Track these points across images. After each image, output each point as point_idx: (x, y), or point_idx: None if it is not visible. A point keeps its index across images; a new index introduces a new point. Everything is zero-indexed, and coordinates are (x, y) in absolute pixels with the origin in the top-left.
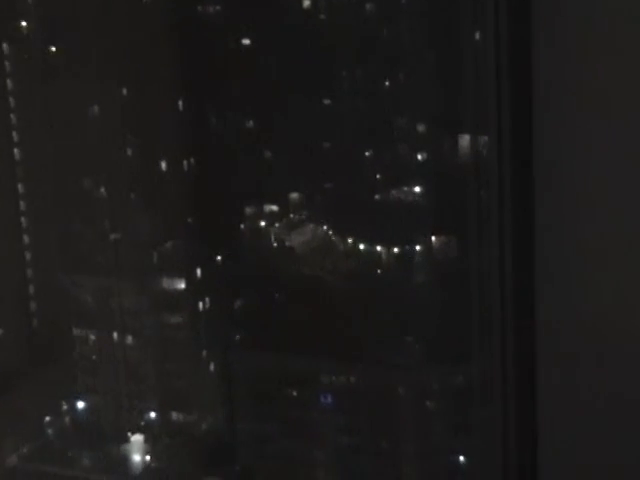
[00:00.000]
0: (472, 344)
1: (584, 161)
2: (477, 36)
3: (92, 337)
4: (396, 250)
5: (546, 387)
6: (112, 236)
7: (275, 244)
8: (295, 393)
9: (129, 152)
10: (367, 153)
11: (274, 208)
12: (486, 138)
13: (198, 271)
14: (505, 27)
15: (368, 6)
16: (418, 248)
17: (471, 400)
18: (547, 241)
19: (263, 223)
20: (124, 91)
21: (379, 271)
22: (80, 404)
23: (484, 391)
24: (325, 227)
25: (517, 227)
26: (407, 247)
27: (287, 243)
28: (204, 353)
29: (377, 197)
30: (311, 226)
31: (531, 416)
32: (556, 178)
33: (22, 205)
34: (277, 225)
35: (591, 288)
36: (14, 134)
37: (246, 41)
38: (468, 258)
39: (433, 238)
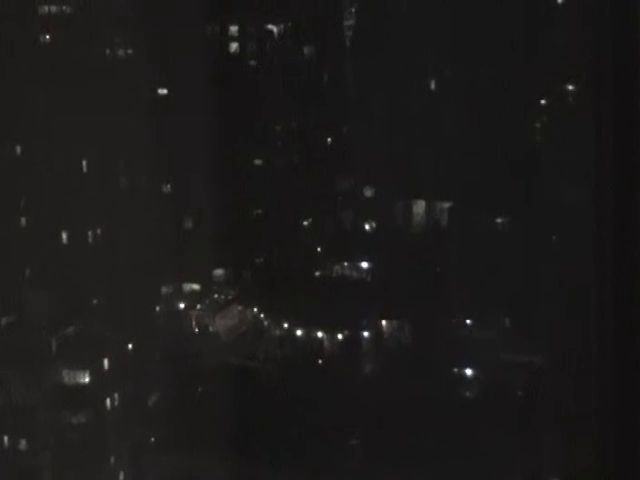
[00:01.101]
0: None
1: None
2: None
3: None
4: (340, 336)
5: None
6: (2, 320)
7: (196, 329)
8: None
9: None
10: (305, 222)
11: (195, 287)
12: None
13: (105, 361)
14: None
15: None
16: (366, 334)
17: None
18: None
19: (182, 305)
20: None
21: (320, 361)
22: None
23: None
24: (255, 309)
25: None
26: (353, 333)
27: (210, 328)
28: (112, 459)
29: (317, 274)
30: (239, 308)
31: None
32: None
33: None
34: (199, 307)
35: None
36: None
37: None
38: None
39: (383, 322)
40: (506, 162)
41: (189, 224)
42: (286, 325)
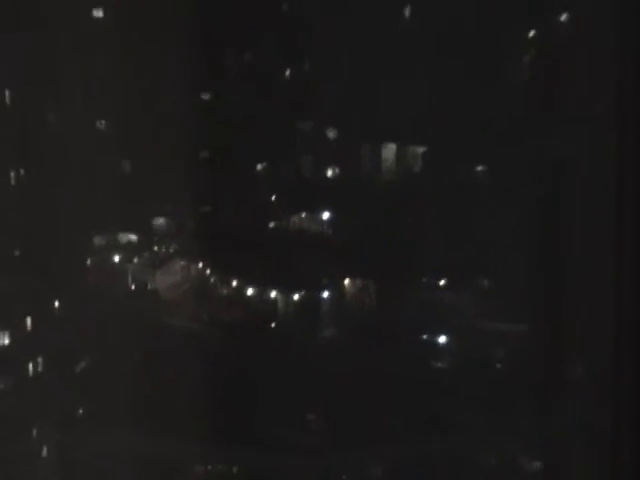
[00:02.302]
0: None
1: None
2: None
3: None
4: (296, 297)
5: None
6: None
7: (133, 286)
8: None
9: None
10: (259, 166)
11: (132, 238)
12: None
13: (28, 321)
14: None
15: None
16: (325, 295)
17: None
18: None
19: (117, 258)
20: None
21: (273, 324)
22: None
23: None
24: (200, 265)
25: None
26: (311, 293)
27: (149, 285)
28: (34, 432)
29: (271, 225)
30: (181, 263)
31: None
32: None
33: None
34: (136, 261)
35: None
36: None
37: None
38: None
39: (346, 282)
40: (490, 101)
41: (126, 167)
42: (235, 283)
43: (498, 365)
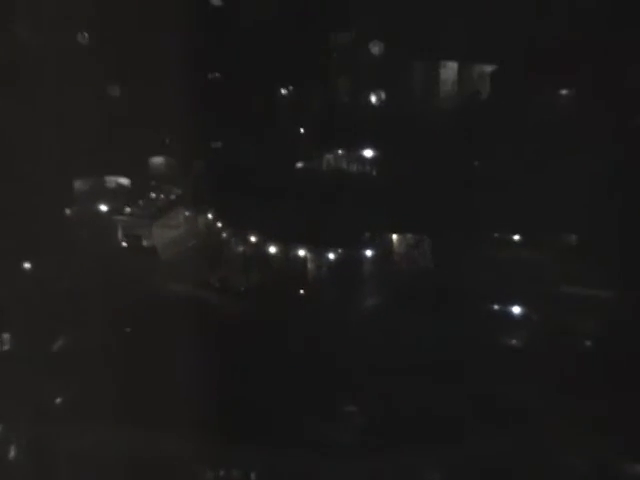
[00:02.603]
0: None
1: None
2: None
3: None
4: (331, 257)
5: None
6: None
7: (124, 242)
8: None
9: None
10: (283, 90)
11: (123, 182)
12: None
13: None
14: None
15: None
16: (368, 254)
17: None
18: None
19: (104, 207)
20: None
21: (302, 292)
22: None
23: None
24: (210, 216)
25: None
26: (350, 252)
27: (145, 241)
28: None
29: (299, 166)
30: (185, 213)
31: None
32: None
33: None
34: (128, 210)
35: None
36: None
37: None
38: None
39: (394, 237)
40: None
41: (114, 92)
42: (253, 239)
43: (587, 342)
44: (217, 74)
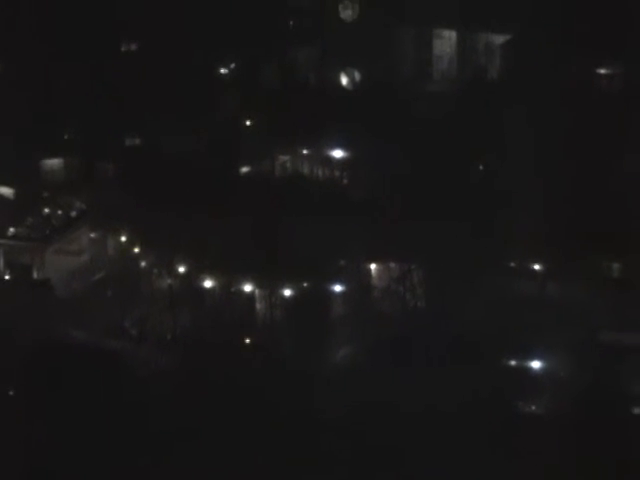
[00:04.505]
0: None
1: None
2: None
3: None
4: (287, 294)
5: None
6: None
7: (6, 274)
8: None
9: None
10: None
11: (4, 192)
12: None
13: None
14: None
15: None
16: (337, 289)
17: None
18: None
19: None
20: None
21: (247, 340)
22: None
23: None
24: (124, 237)
25: None
26: (314, 287)
27: (36, 273)
28: None
29: (244, 170)
30: (89, 234)
31: None
32: None
33: None
34: (12, 231)
35: None
36: None
37: None
38: None
39: (372, 267)
40: None
41: None
42: (182, 269)
43: (636, 410)
44: (133, 45)
